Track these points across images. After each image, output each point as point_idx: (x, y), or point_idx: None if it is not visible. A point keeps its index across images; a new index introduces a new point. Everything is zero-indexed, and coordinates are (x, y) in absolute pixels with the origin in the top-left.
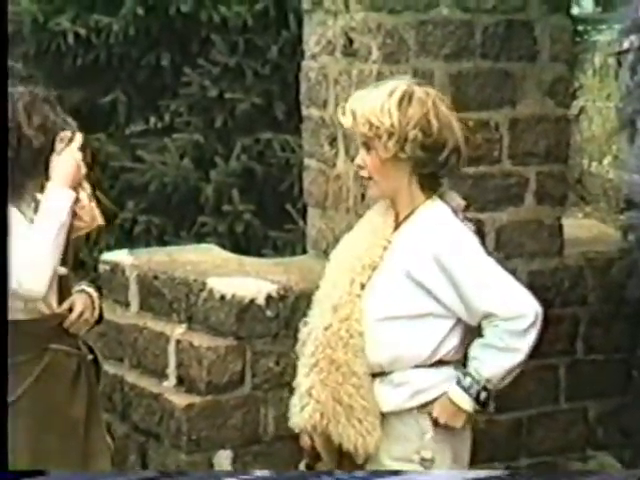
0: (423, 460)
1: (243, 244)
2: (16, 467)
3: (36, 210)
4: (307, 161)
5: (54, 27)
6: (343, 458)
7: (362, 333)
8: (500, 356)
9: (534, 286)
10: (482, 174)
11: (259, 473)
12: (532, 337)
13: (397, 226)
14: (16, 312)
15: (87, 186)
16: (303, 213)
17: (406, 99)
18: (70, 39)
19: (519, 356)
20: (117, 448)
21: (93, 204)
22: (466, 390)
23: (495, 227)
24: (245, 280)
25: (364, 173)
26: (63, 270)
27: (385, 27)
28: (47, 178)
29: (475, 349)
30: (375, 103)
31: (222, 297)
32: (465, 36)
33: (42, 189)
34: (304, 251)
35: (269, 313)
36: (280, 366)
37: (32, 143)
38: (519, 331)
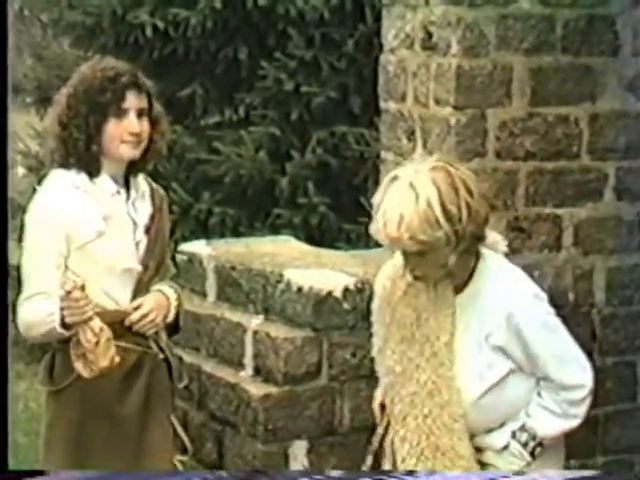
0: None
1: (317, 236)
2: (53, 458)
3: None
4: (384, 154)
5: (133, 20)
6: None
7: (464, 415)
8: (557, 420)
9: (612, 283)
10: (561, 169)
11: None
12: (588, 403)
13: (457, 290)
14: None
15: None
16: None
17: (446, 199)
18: (148, 32)
19: (577, 421)
20: (193, 437)
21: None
22: (523, 445)
23: (573, 223)
24: (322, 272)
25: (418, 274)
26: (137, 267)
27: (465, 21)
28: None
29: (533, 408)
30: (418, 219)
31: (299, 289)
32: (546, 30)
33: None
34: (378, 244)
35: (346, 305)
36: (357, 358)
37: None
38: (577, 400)
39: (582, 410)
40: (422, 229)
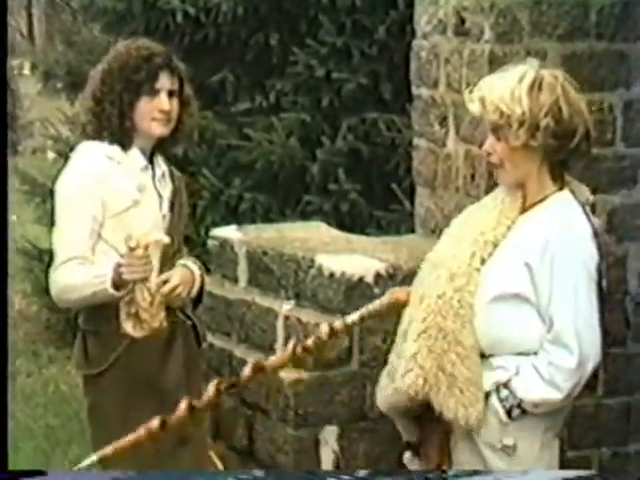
0: (505, 447)
1: (348, 223)
2: (101, 440)
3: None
4: (416, 140)
5: (164, 6)
6: (443, 431)
7: (472, 306)
8: (541, 386)
9: None
10: (595, 156)
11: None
12: (575, 381)
13: (524, 209)
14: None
15: None
16: (409, 193)
17: (536, 85)
18: (179, 18)
19: (558, 394)
20: (225, 421)
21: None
22: (500, 401)
23: (607, 210)
24: (354, 258)
25: (493, 160)
26: (166, 239)
27: (498, 6)
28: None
29: (525, 365)
30: (505, 90)
31: (331, 274)
32: (580, 16)
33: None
34: (408, 231)
35: (377, 291)
36: (387, 344)
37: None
38: (565, 368)
39: (567, 385)
40: (504, 99)
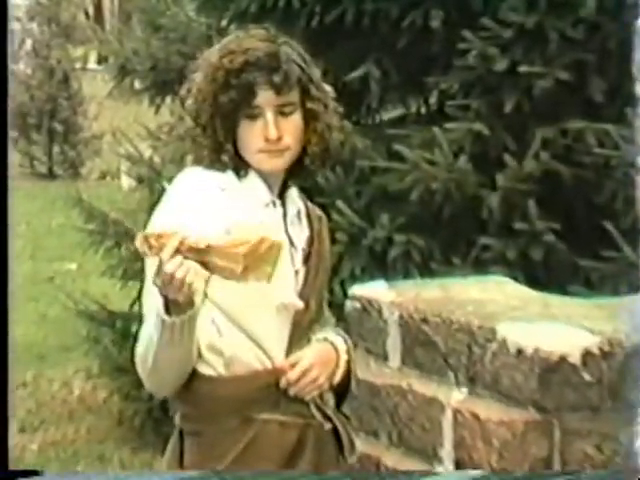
0: None
1: (543, 277)
2: None
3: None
4: None
5: None
6: None
7: None
8: None
9: None
10: None
11: None
12: None
13: None
14: (218, 365)
15: None
16: (631, 236)
17: None
18: None
19: None
20: None
21: None
22: None
23: None
24: (552, 328)
25: None
26: (299, 303)
27: None
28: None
29: None
30: None
31: (519, 351)
32: None
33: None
34: (631, 289)
35: (587, 377)
36: (603, 452)
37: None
38: None
39: None
40: None
